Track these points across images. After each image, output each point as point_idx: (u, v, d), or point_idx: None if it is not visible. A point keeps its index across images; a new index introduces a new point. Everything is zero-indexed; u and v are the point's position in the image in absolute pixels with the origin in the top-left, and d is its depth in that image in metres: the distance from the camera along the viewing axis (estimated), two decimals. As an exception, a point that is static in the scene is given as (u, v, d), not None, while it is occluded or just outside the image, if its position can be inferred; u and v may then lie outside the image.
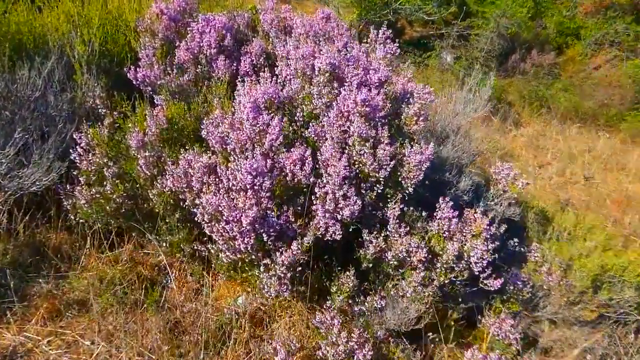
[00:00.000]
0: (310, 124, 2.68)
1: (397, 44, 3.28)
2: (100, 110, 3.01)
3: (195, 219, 2.39)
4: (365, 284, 2.73)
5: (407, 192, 2.61)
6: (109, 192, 2.60)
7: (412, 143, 2.67)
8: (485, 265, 2.53)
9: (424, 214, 2.70)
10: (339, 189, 2.38)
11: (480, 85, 3.74)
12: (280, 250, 2.31)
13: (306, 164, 2.45)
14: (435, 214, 2.67)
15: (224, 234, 2.26)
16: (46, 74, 3.02)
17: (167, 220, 2.72)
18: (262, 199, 2.25)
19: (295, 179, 2.46)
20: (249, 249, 2.26)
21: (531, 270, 3.12)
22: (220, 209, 2.23)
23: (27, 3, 3.43)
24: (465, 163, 3.28)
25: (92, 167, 2.64)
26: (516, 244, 3.10)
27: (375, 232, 2.52)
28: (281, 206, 2.41)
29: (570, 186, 7.06)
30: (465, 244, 2.57)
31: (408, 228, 2.55)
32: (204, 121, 2.66)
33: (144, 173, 2.60)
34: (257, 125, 2.46)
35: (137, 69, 3.02)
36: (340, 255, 2.63)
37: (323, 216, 2.37)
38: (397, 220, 2.52)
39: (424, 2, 9.94)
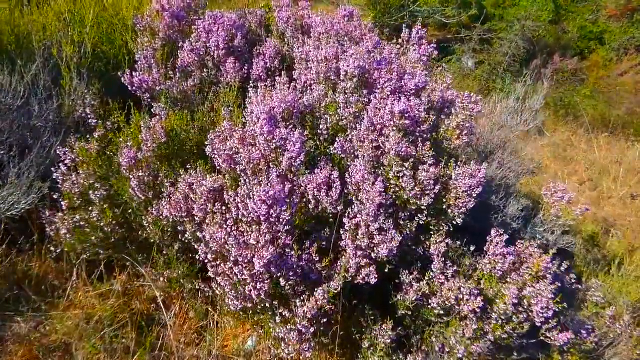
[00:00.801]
0: (337, 139, 2.24)
1: (434, 46, 2.84)
2: (91, 121, 2.59)
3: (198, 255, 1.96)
4: (400, 328, 2.27)
5: (454, 223, 2.15)
6: (95, 219, 2.18)
7: (458, 163, 2.22)
8: (550, 316, 2.06)
9: (471, 248, 2.24)
10: (373, 220, 1.93)
11: (529, 94, 3.28)
12: (302, 297, 1.86)
13: (333, 189, 2.00)
14: (485, 249, 2.21)
15: (231, 276, 1.82)
16: (30, 79, 2.62)
17: (164, 252, 2.28)
18: (280, 235, 1.80)
19: (320, 207, 2.02)
20: (262, 296, 1.81)
21: (592, 313, 2.64)
22: (228, 246, 1.79)
23: (19, 2, 3.06)
24: (513, 183, 2.82)
25: (77, 189, 2.22)
26: (574, 280, 2.62)
27: (415, 273, 2.07)
28: (302, 241, 1.97)
29: (604, 202, 6.55)
30: (524, 288, 2.10)
31: (455, 267, 2.09)
32: (210, 134, 2.23)
33: (137, 197, 2.18)
34: (274, 141, 2.03)
35: (134, 73, 2.60)
36: (372, 299, 2.17)
37: (354, 254, 1.92)
38: (443, 259, 2.07)
39: (443, 4, 9.48)
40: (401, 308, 2.09)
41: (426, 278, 2.04)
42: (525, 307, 2.09)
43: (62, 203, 2.25)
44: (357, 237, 1.94)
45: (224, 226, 1.83)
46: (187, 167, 2.17)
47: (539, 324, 2.10)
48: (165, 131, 2.31)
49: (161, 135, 2.29)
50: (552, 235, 2.89)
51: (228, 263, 1.81)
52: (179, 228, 2.10)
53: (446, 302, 2.00)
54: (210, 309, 2.56)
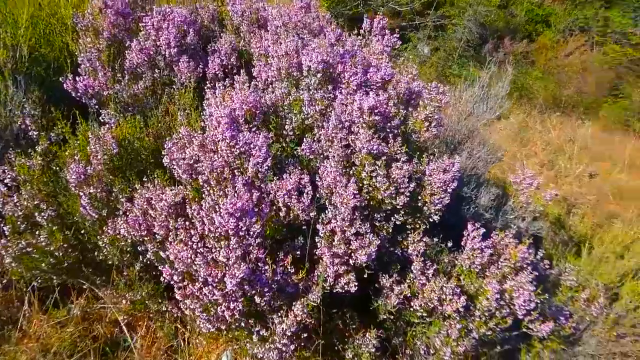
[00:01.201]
0: (304, 139, 2.11)
1: (397, 36, 2.75)
2: (32, 133, 2.35)
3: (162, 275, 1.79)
4: (380, 331, 2.19)
5: (431, 220, 2.08)
6: (44, 243, 1.97)
7: (430, 157, 2.14)
8: (532, 308, 2.03)
9: (449, 244, 2.18)
10: (349, 225, 1.82)
11: (493, 80, 3.26)
12: (279, 312, 1.74)
13: (304, 195, 1.88)
14: (463, 243, 2.16)
15: (201, 298, 1.67)
16: (-44, 89, 2.35)
17: (125, 273, 2.10)
18: (251, 249, 1.67)
19: (291, 215, 1.90)
20: (236, 315, 1.68)
21: (567, 297, 2.65)
22: (195, 265, 1.64)
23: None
24: (482, 172, 2.79)
25: (20, 212, 2.00)
26: (547, 266, 2.62)
27: (395, 275, 1.99)
28: (275, 251, 1.84)
29: (562, 180, 6.74)
30: (504, 281, 2.06)
31: (435, 266, 2.03)
32: (166, 143, 2.05)
33: (89, 215, 1.98)
34: (237, 147, 1.88)
35: (77, 78, 2.37)
36: (352, 305, 2.08)
37: (331, 262, 1.81)
38: (422, 258, 1.99)
39: (396, -8, 9.49)
40: (382, 313, 2.00)
41: (407, 280, 1.95)
42: (507, 301, 2.05)
43: (4, 228, 2.02)
44: (333, 243, 1.83)
45: (189, 243, 1.67)
46: (144, 179, 1.98)
47: (521, 316, 2.07)
48: (116, 141, 2.12)
49: (112, 145, 2.09)
50: (523, 222, 2.89)
51: (196, 284, 1.66)
52: (139, 248, 1.93)
53: (428, 304, 1.93)
54: (179, 326, 2.40)
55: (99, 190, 1.97)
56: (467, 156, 2.70)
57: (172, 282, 1.72)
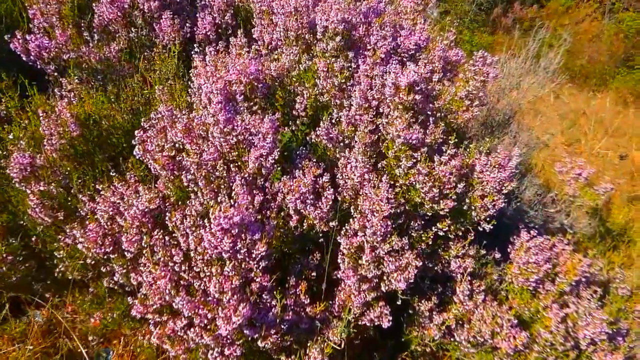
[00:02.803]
0: (321, 121, 1.64)
1: (429, -10, 2.24)
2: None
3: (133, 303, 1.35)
4: (405, 353, 1.80)
5: (480, 229, 1.64)
6: (-19, 254, 1.51)
7: (481, 150, 1.69)
8: (600, 339, 1.63)
9: (496, 255, 1.76)
10: (381, 240, 1.38)
11: (542, 50, 2.75)
12: (289, 356, 1.32)
13: (323, 198, 1.43)
14: (512, 255, 1.73)
15: (186, 341, 1.24)
16: None
17: (91, 290, 1.66)
18: (254, 275, 1.23)
19: (305, 224, 1.45)
20: (233, 362, 1.25)
21: (616, 309, 2.26)
22: (177, 304, 1.19)
23: None
24: (525, 160, 2.34)
25: (-51, 212, 1.53)
26: (597, 271, 2.22)
27: (434, 298, 1.56)
28: (282, 269, 1.40)
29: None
30: (565, 304, 1.65)
31: (482, 285, 1.60)
32: (137, 131, 1.57)
33: (40, 219, 1.52)
34: (234, 134, 1.41)
35: (28, 37, 1.86)
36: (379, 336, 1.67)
37: (357, 289, 1.38)
38: (470, 278, 1.57)
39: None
40: (415, 344, 1.59)
41: (448, 305, 1.53)
42: (570, 329, 1.65)
43: None
44: (360, 263, 1.39)
45: (168, 268, 1.23)
46: (112, 172, 1.52)
47: (585, 346, 1.68)
48: (76, 120, 1.63)
49: (72, 126, 1.61)
50: (568, 218, 2.47)
51: (178, 321, 1.22)
52: (103, 269, 1.48)
53: (477, 337, 1.51)
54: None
55: (52, 186, 1.50)
56: (510, 142, 2.24)
57: (146, 316, 1.28)
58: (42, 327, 1.95)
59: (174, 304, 1.17)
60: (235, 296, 1.16)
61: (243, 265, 1.22)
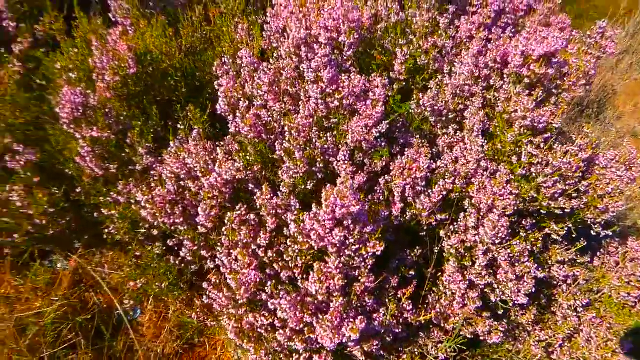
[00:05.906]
0: (429, 87, 1.37)
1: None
2: (7, 24, 1.55)
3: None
4: None
5: (593, 233, 1.42)
6: (18, 203, 1.28)
7: (597, 142, 1.44)
8: None
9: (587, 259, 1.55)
10: (500, 243, 1.16)
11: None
12: (379, 366, 1.13)
13: (436, 186, 1.19)
14: (602, 259, 1.53)
15: (269, 342, 1.04)
16: None
17: (137, 254, 1.45)
18: (358, 276, 1.01)
19: (408, 213, 1.22)
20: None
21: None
22: (275, 304, 0.98)
23: None
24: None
25: (-20, 151, 1.29)
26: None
27: (534, 310, 1.36)
28: (379, 269, 1.18)
29: None
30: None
31: (585, 299, 1.40)
32: (215, 68, 1.30)
33: (90, 170, 1.28)
34: (339, 97, 1.15)
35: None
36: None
37: (462, 296, 1.17)
38: (576, 290, 1.36)
39: None
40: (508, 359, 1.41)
41: (552, 324, 1.34)
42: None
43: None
44: (474, 267, 1.18)
45: (257, 252, 1.01)
46: (171, 125, 1.27)
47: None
48: (134, 54, 1.36)
49: (130, 61, 1.34)
50: (644, 218, 2.26)
51: (262, 316, 1.02)
52: (170, 242, 1.25)
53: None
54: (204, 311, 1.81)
55: (105, 134, 1.25)
56: (602, 127, 1.98)
57: (219, 308, 1.07)
58: (69, 278, 1.77)
59: (269, 304, 0.96)
60: (341, 299, 0.95)
61: (351, 263, 1.00)
